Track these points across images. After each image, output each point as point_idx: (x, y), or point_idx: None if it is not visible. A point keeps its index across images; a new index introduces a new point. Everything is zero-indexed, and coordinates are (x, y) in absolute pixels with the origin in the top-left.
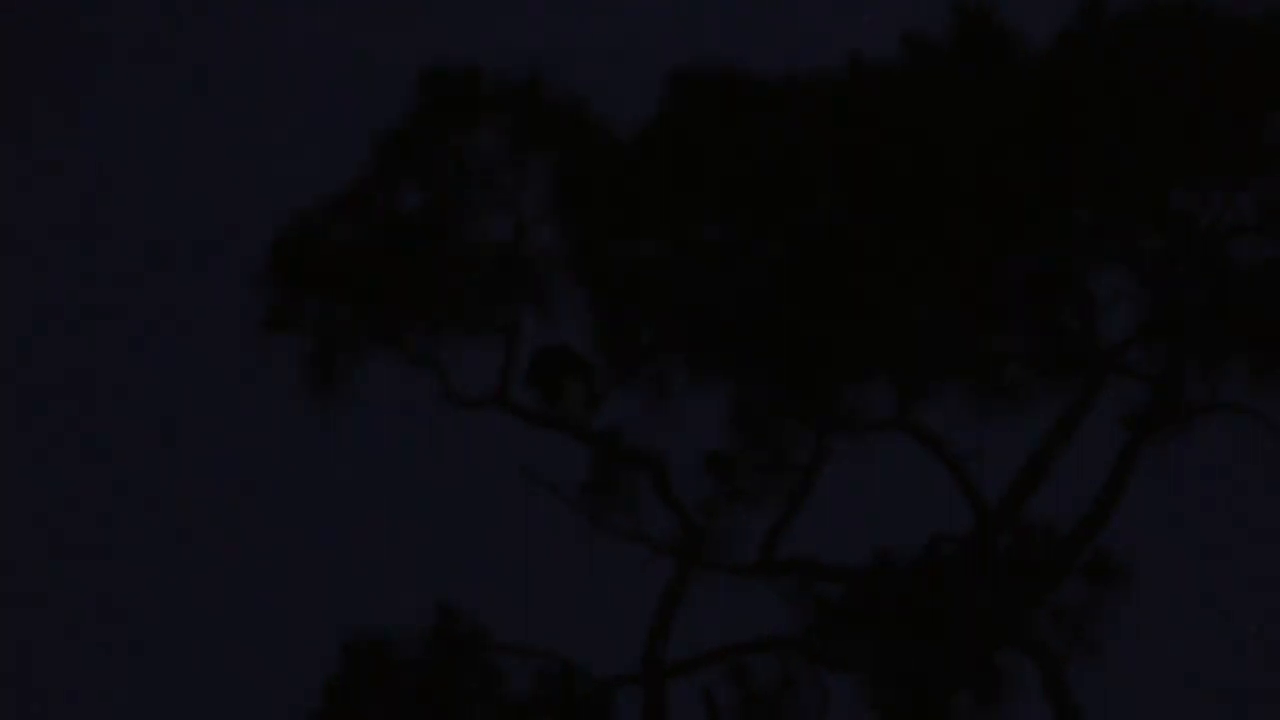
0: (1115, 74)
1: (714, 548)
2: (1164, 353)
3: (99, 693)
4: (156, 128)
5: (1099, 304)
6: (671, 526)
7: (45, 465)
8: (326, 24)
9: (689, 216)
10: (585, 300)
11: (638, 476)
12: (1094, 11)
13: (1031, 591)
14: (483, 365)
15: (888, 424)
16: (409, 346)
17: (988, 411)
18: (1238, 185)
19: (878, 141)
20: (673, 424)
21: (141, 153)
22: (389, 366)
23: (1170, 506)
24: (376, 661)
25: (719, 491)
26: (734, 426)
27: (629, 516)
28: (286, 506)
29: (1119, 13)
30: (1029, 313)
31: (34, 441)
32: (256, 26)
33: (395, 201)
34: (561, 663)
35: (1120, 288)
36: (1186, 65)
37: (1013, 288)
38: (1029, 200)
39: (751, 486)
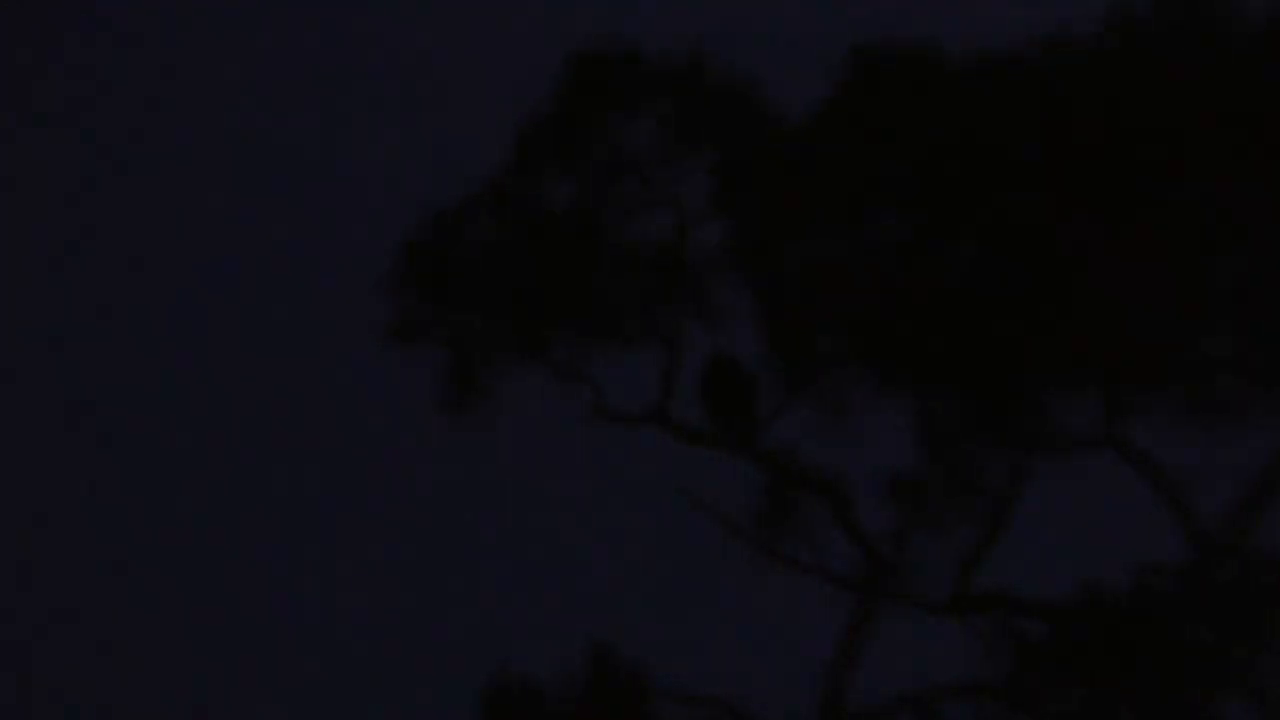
0: None
1: (901, 581)
2: None
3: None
4: (288, 120)
5: None
6: (853, 557)
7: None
8: (466, 6)
9: (869, 212)
10: (753, 306)
11: (815, 502)
12: None
13: (1257, 630)
14: (641, 378)
15: (1093, 441)
16: (556, 358)
17: (1199, 426)
18: None
19: (1081, 127)
20: (853, 443)
21: (272, 146)
22: (535, 381)
23: None
24: (523, 711)
25: (906, 518)
26: (921, 445)
27: (805, 546)
28: (423, 534)
29: None
30: (1241, 315)
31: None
32: (395, 13)
33: (542, 197)
34: (730, 711)
35: None
36: None
37: (1225, 288)
38: (1251, 194)
39: (942, 512)
